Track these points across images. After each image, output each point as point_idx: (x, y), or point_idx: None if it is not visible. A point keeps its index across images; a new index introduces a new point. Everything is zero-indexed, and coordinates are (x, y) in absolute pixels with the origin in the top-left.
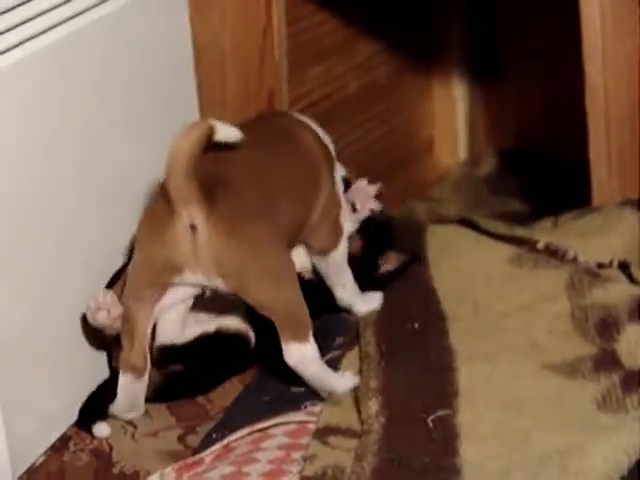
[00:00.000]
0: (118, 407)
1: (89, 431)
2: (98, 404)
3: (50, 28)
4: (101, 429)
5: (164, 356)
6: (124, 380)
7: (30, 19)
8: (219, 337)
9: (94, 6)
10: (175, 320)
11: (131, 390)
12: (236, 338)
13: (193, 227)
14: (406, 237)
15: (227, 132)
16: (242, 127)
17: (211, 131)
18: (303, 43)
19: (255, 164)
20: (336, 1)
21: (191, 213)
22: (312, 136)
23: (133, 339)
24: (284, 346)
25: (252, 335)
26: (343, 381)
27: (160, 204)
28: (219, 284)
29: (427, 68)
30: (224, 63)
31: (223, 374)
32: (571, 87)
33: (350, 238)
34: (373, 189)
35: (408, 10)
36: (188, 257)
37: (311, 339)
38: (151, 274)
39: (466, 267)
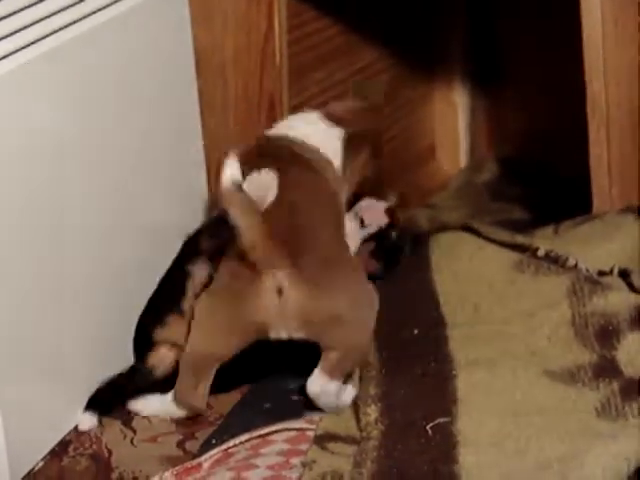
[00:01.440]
0: (151, 412)
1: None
2: (107, 398)
3: (51, 33)
4: (85, 421)
5: None
6: (175, 412)
7: (30, 25)
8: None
9: (95, 12)
10: None
11: (171, 415)
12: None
13: (280, 290)
14: (409, 246)
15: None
16: (254, 161)
17: None
18: (304, 49)
19: (305, 205)
20: (337, 8)
21: (278, 277)
22: (320, 157)
23: (199, 384)
24: (318, 374)
25: None
26: (344, 398)
27: (240, 263)
28: (299, 335)
29: (428, 75)
30: (225, 69)
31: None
32: (572, 95)
33: (364, 259)
34: (383, 205)
35: (409, 17)
36: (274, 319)
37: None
38: (232, 332)
39: (468, 273)
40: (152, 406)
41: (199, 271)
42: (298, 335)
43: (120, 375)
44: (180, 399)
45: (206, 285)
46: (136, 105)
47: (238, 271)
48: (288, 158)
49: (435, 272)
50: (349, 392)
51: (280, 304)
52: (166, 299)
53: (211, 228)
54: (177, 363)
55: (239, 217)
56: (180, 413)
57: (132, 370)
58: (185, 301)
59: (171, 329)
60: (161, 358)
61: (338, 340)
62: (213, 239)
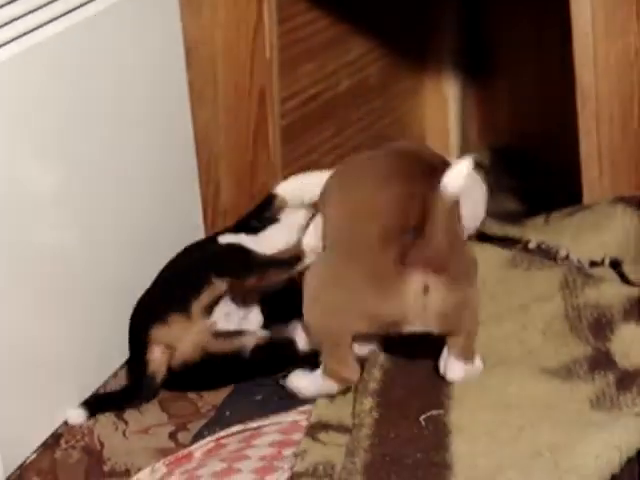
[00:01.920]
0: (304, 389)
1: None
2: (103, 404)
3: (40, 26)
4: (74, 416)
5: (206, 365)
6: (329, 386)
7: (18, 17)
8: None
9: (85, 4)
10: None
11: (329, 391)
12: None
13: (426, 288)
14: None
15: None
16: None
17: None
18: (294, 41)
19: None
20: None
21: (427, 276)
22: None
23: (344, 357)
24: (455, 362)
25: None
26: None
27: (383, 260)
28: (432, 329)
29: (419, 67)
30: (215, 61)
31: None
32: (563, 86)
33: None
34: None
35: (400, 8)
36: (414, 318)
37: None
38: (371, 323)
39: None
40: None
41: (221, 284)
42: (431, 329)
43: (126, 388)
44: (333, 375)
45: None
46: (125, 98)
47: (381, 268)
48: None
49: None
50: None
51: (424, 302)
52: (174, 298)
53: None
54: (169, 366)
55: (442, 218)
56: (333, 388)
57: (136, 383)
58: (196, 304)
59: (170, 329)
60: (158, 363)
61: (466, 325)
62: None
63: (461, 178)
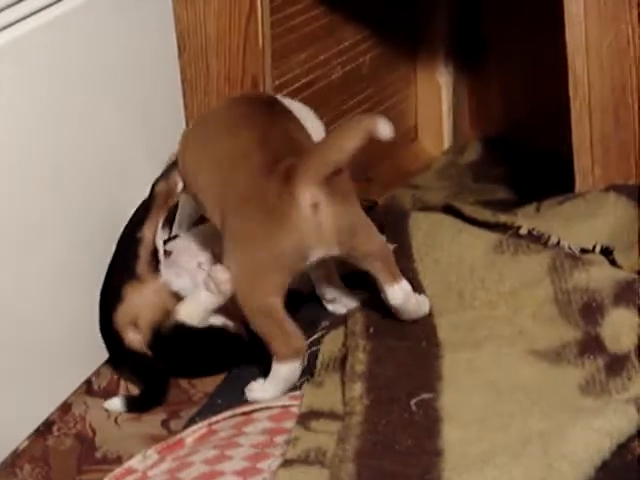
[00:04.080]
0: (275, 394)
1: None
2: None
3: (33, 13)
4: (113, 403)
5: (177, 333)
6: (291, 367)
7: (9, 5)
8: (222, 332)
9: None
10: (208, 310)
11: (295, 375)
12: (235, 337)
13: (315, 206)
14: (389, 225)
15: (385, 129)
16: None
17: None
18: (287, 30)
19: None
20: None
21: (314, 193)
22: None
23: (284, 329)
24: (389, 289)
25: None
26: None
27: (267, 194)
28: (334, 252)
29: (411, 56)
30: (208, 49)
31: (217, 364)
32: (555, 75)
33: None
34: None
35: None
36: (314, 238)
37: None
38: (281, 267)
39: (449, 259)
40: (268, 387)
41: (148, 232)
42: (334, 251)
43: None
44: (282, 355)
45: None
46: (117, 87)
47: (267, 203)
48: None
49: (417, 262)
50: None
51: (317, 220)
52: (119, 270)
53: (162, 174)
54: (145, 344)
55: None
56: (294, 372)
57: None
58: (139, 265)
59: (129, 302)
60: (138, 343)
61: (369, 242)
62: (164, 180)
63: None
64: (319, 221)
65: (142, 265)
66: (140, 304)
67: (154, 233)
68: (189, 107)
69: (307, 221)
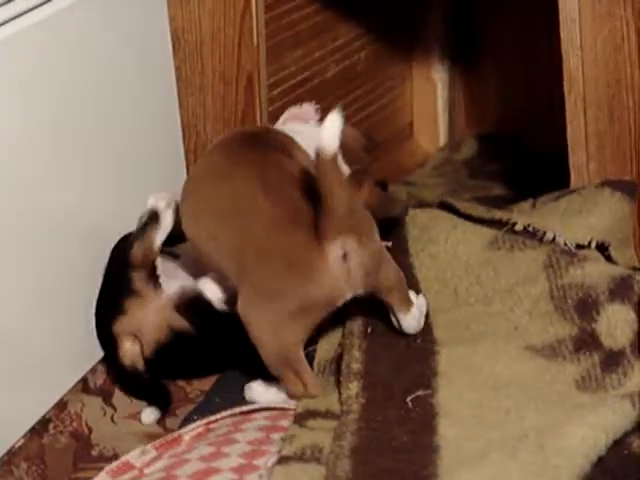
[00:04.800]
0: (268, 402)
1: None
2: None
3: (25, 12)
4: (147, 414)
5: (192, 303)
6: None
7: (2, 4)
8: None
9: None
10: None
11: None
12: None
13: (344, 255)
14: (386, 225)
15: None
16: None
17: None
18: (282, 27)
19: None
20: None
21: (343, 243)
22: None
23: (301, 376)
24: (404, 318)
25: None
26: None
27: (293, 249)
28: (359, 293)
29: (407, 53)
30: (202, 48)
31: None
32: (550, 72)
33: None
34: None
35: None
36: (343, 287)
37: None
38: (307, 317)
39: (444, 255)
40: (267, 394)
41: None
42: (360, 293)
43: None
44: (295, 396)
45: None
46: (112, 85)
47: (295, 253)
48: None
49: (413, 257)
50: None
51: (347, 269)
52: (115, 283)
53: (138, 234)
54: (143, 357)
55: (336, 182)
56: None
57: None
58: (135, 282)
59: (131, 316)
60: (131, 354)
61: (389, 277)
62: (140, 244)
63: (336, 132)
64: (349, 268)
65: (139, 282)
66: (143, 320)
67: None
68: (184, 105)
69: (338, 272)
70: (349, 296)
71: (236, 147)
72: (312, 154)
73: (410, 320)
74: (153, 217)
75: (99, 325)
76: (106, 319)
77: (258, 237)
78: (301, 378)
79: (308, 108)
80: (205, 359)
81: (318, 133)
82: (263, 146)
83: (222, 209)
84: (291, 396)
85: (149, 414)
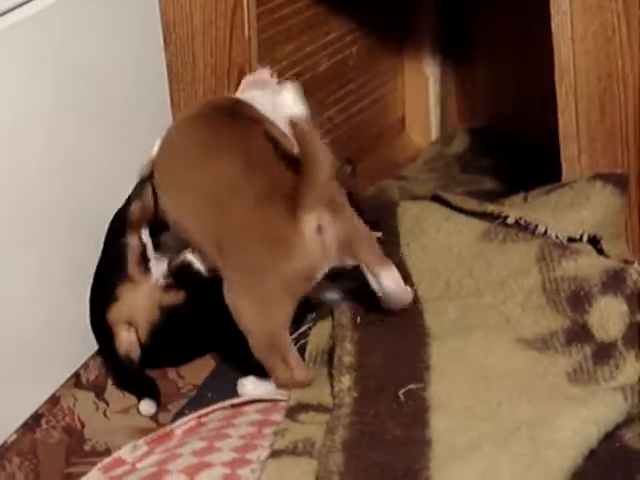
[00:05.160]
0: (261, 396)
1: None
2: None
3: (15, 7)
4: (146, 407)
5: (182, 272)
6: (284, 391)
7: None
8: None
9: None
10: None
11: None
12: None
13: (319, 228)
14: (378, 214)
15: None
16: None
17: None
18: (273, 21)
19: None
20: None
21: (318, 216)
22: None
23: (288, 362)
24: (382, 274)
25: None
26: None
27: (270, 224)
28: (334, 264)
29: (398, 47)
30: (194, 41)
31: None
32: (542, 66)
33: None
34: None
35: None
36: (320, 260)
37: None
38: (289, 293)
39: (436, 246)
40: (259, 390)
41: (133, 240)
42: (337, 264)
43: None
44: (283, 384)
45: (142, 253)
46: (102, 80)
47: (270, 229)
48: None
49: (404, 247)
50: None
51: (322, 241)
52: (110, 271)
53: (136, 193)
54: (140, 344)
55: (319, 149)
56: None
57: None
58: (129, 267)
59: (124, 302)
60: (127, 343)
61: (359, 239)
62: (138, 202)
63: (295, 101)
64: (323, 241)
65: (132, 266)
66: (135, 304)
67: (138, 238)
68: (175, 99)
69: (313, 244)
70: (326, 268)
71: (215, 120)
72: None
73: (388, 278)
74: (152, 174)
75: (93, 316)
76: (100, 308)
77: (235, 217)
78: (288, 363)
79: (262, 72)
80: (199, 336)
81: (273, 98)
82: (240, 118)
83: (202, 189)
84: (279, 385)
85: (147, 406)
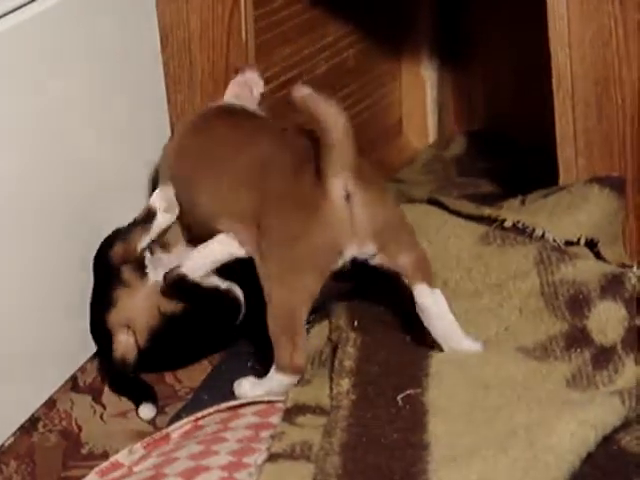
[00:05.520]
0: (258, 395)
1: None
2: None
3: (12, 10)
4: (146, 411)
5: (178, 285)
6: (284, 380)
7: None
8: (226, 296)
9: None
10: (212, 263)
11: (285, 387)
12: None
13: (347, 196)
14: None
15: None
16: None
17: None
18: (271, 24)
19: None
20: None
21: (345, 182)
22: None
23: (295, 340)
24: (420, 287)
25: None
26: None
27: (301, 191)
28: (368, 249)
29: (396, 50)
30: (191, 44)
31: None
32: (539, 69)
33: None
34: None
35: None
36: (348, 231)
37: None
38: (316, 265)
39: (435, 249)
40: (258, 388)
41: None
42: (367, 248)
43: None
44: (281, 367)
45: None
46: (100, 82)
47: (299, 196)
48: None
49: None
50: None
51: (350, 210)
52: (105, 277)
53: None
54: (139, 348)
55: (336, 112)
56: (282, 384)
57: (107, 367)
58: (124, 273)
59: (122, 306)
60: (125, 346)
61: (407, 243)
62: (122, 244)
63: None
64: (353, 212)
65: (128, 273)
66: (133, 308)
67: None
68: (172, 102)
69: (340, 212)
70: (356, 246)
71: (229, 115)
72: None
73: (427, 294)
74: (148, 216)
75: (93, 321)
76: (99, 313)
77: (273, 190)
78: (294, 344)
79: (252, 75)
80: (197, 340)
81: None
82: (246, 114)
83: (241, 168)
84: (278, 367)
85: (146, 410)
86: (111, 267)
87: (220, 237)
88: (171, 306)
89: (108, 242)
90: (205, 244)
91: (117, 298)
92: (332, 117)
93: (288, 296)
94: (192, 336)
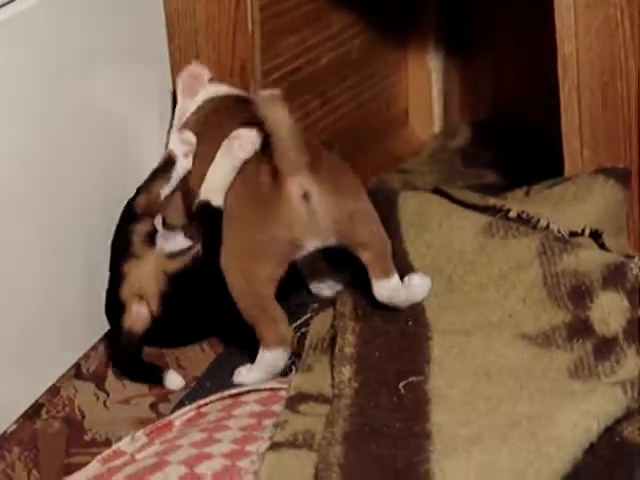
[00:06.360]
0: (260, 379)
1: (158, 382)
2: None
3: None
4: (173, 379)
5: (205, 215)
6: (274, 355)
7: None
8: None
9: None
10: (225, 177)
11: (281, 361)
12: None
13: (305, 195)
14: (378, 207)
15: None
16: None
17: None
18: (276, 14)
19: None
20: None
21: (302, 181)
22: None
23: (271, 314)
24: (376, 282)
25: None
26: (413, 289)
27: (260, 184)
28: (331, 242)
29: (401, 40)
30: (197, 35)
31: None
32: (545, 59)
33: None
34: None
35: None
36: (307, 229)
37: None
38: (273, 255)
39: (439, 242)
40: (254, 371)
41: (139, 227)
42: (330, 241)
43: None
44: (271, 339)
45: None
46: (106, 72)
47: (257, 193)
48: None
49: (407, 243)
50: (416, 282)
51: (308, 208)
52: (117, 255)
53: (144, 184)
54: (152, 315)
55: (280, 116)
56: (277, 360)
57: (113, 339)
58: (134, 247)
59: (131, 277)
60: (135, 316)
61: (366, 234)
62: (145, 194)
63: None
64: (312, 211)
65: (137, 246)
66: (142, 277)
67: (145, 225)
68: None
69: (298, 211)
70: (317, 241)
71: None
72: None
73: (383, 289)
74: (168, 163)
75: (108, 298)
76: (113, 290)
77: (238, 186)
78: (270, 317)
79: (200, 71)
80: (208, 310)
81: None
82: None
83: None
84: (266, 344)
85: (173, 378)
86: (128, 229)
87: (221, 150)
88: (177, 266)
89: (126, 208)
90: (212, 165)
91: (128, 271)
92: (276, 118)
93: (246, 279)
94: (203, 303)
